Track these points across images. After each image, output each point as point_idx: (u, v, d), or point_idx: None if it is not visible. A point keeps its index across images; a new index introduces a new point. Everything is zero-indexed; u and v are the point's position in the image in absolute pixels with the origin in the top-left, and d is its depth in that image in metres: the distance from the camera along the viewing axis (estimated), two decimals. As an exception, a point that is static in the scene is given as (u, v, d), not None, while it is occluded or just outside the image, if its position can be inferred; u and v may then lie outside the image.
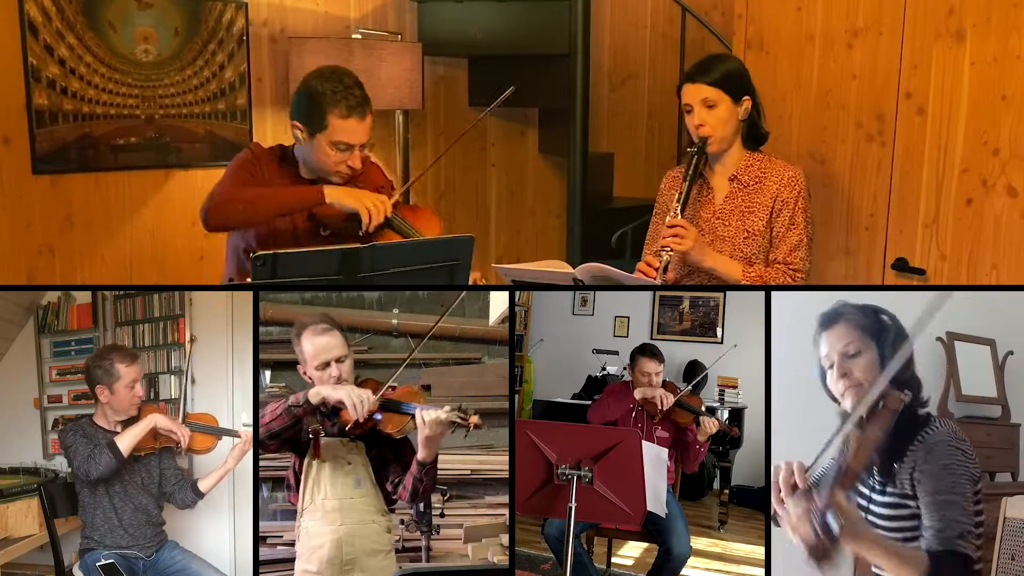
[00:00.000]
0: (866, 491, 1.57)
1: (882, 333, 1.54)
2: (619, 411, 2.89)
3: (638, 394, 2.85)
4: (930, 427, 1.50)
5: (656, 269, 2.37)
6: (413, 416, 1.92)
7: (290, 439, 1.96)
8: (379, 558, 1.99)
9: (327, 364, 1.97)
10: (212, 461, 2.23)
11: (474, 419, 1.90)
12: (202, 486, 2.21)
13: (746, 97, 2.46)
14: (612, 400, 2.95)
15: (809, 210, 2.49)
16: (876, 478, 1.55)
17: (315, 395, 1.91)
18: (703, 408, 2.87)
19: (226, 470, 2.19)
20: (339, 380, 1.97)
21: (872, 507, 1.55)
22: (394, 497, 2.05)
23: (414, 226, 2.49)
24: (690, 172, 2.46)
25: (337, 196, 2.36)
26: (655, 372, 2.86)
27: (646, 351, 2.90)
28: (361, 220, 2.34)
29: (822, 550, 1.41)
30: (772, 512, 1.52)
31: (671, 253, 2.38)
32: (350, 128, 2.36)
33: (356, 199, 2.36)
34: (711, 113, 2.43)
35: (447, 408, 1.90)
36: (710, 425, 2.80)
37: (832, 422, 1.57)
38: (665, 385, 2.87)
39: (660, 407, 2.80)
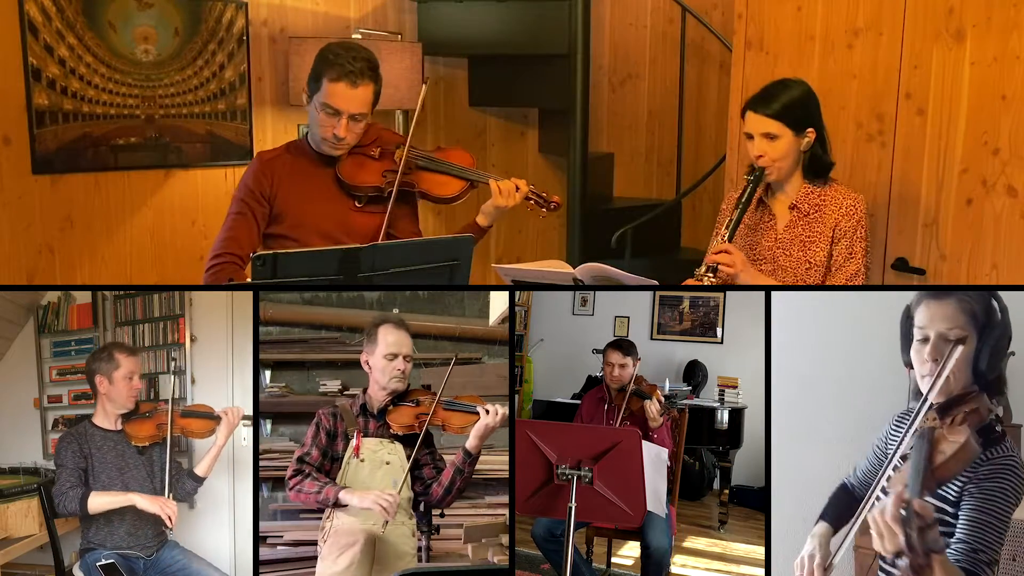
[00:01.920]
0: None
1: (988, 327, 1.45)
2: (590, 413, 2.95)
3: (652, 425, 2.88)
4: (1003, 444, 1.43)
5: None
6: (475, 413, 2.06)
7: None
8: (406, 560, 2.03)
9: (396, 356, 2.08)
10: (207, 446, 2.26)
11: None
12: (199, 470, 2.23)
13: (810, 129, 2.38)
14: (585, 410, 3.04)
15: (868, 239, 2.42)
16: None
17: (344, 500, 1.99)
18: (657, 395, 2.89)
19: (218, 448, 2.21)
20: (403, 375, 2.09)
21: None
22: (420, 499, 2.10)
23: (447, 160, 2.63)
24: (743, 199, 2.41)
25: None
26: (619, 363, 2.94)
27: (613, 343, 3.01)
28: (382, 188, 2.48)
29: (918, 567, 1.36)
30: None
31: (713, 278, 2.35)
32: (338, 92, 2.40)
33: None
34: (772, 145, 2.37)
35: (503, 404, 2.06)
36: (651, 408, 2.83)
37: (837, 420, 1.54)
38: (637, 380, 2.93)
39: (651, 416, 2.85)
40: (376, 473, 2.04)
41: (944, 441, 1.44)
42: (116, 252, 3.34)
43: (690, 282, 2.40)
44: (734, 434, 4.04)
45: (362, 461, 2.04)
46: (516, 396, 4.12)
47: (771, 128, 2.36)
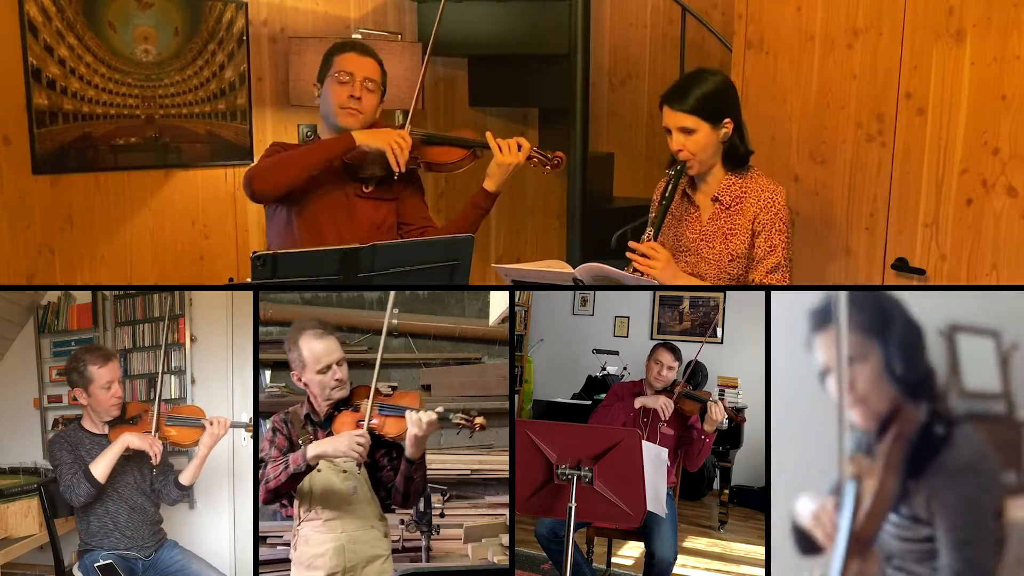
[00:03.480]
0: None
1: (887, 329, 1.34)
2: (623, 418, 2.92)
3: (637, 403, 2.89)
4: (951, 446, 1.29)
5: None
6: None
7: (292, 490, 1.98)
8: (379, 563, 1.99)
9: (328, 367, 1.98)
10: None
11: (479, 420, 1.94)
12: (183, 479, 2.18)
13: (727, 120, 2.39)
14: (616, 408, 2.99)
15: (788, 232, 2.43)
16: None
17: (314, 457, 1.91)
18: (711, 398, 2.88)
19: (200, 459, 2.15)
20: (341, 383, 1.98)
21: (886, 526, 1.37)
22: (388, 502, 2.05)
23: (447, 133, 2.74)
24: (666, 194, 2.43)
25: (364, 138, 2.52)
26: (668, 364, 2.92)
27: (666, 344, 3.00)
28: (390, 162, 2.52)
29: None
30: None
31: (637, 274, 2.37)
32: (349, 59, 2.58)
33: (381, 139, 2.52)
34: (690, 139, 2.38)
35: (439, 409, 1.92)
36: (717, 412, 2.81)
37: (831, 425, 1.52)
38: (674, 384, 2.91)
39: (663, 416, 2.83)
40: (334, 481, 1.98)
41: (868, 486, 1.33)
42: (116, 252, 3.34)
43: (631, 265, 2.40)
44: (734, 434, 4.04)
45: (319, 471, 1.97)
46: (516, 396, 4.12)
47: (687, 123, 2.37)
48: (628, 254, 2.39)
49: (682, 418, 2.89)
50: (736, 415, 2.98)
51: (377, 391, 1.98)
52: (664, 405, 2.83)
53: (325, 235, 2.54)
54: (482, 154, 2.69)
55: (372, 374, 2.00)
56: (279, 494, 1.94)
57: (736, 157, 2.46)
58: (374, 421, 1.95)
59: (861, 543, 1.31)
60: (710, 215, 2.49)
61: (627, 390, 3.02)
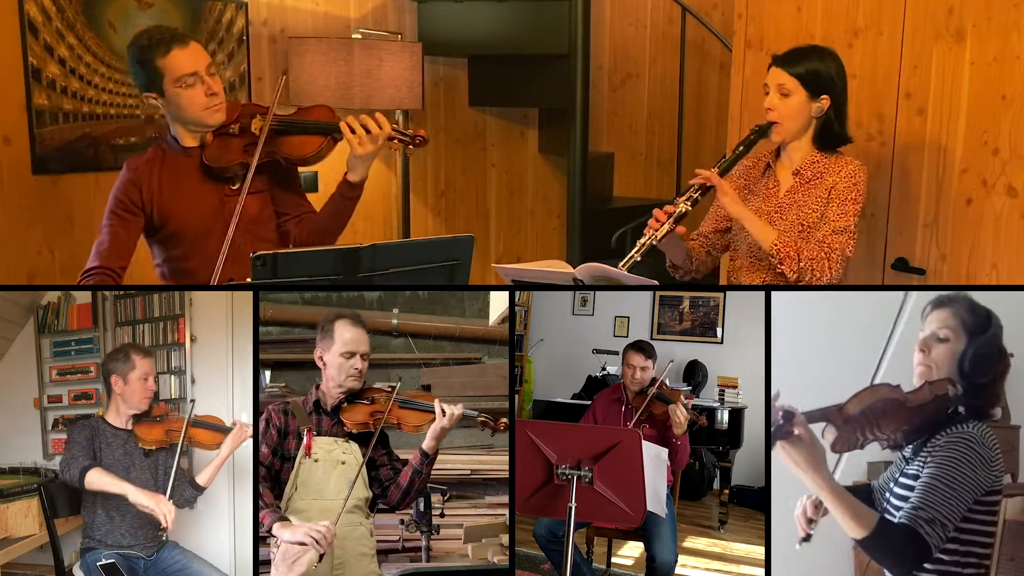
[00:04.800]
0: (895, 471, 1.60)
1: (980, 335, 1.55)
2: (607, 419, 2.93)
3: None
4: (963, 424, 1.52)
5: (669, 215, 2.39)
6: (431, 412, 1.99)
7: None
8: (366, 562, 1.99)
9: (353, 354, 2.02)
10: (210, 455, 2.23)
11: (504, 420, 2.02)
12: (200, 480, 2.20)
13: (825, 96, 2.39)
14: (599, 410, 3.00)
15: (862, 206, 2.40)
16: (904, 457, 1.58)
17: (275, 533, 1.91)
18: (682, 400, 2.85)
19: (222, 459, 2.17)
20: (360, 374, 2.03)
21: (892, 487, 1.58)
22: (379, 500, 2.06)
23: (303, 119, 2.48)
24: (740, 148, 2.44)
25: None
26: (640, 366, 2.90)
27: (635, 345, 2.96)
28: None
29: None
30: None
31: (689, 202, 2.39)
32: (179, 58, 2.34)
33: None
34: (783, 101, 2.39)
35: (460, 405, 1.99)
36: (680, 413, 2.78)
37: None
38: (654, 382, 2.89)
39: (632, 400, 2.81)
40: (331, 473, 1.99)
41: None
42: (116, 252, 3.33)
43: (668, 207, 2.42)
44: (734, 434, 4.04)
45: (316, 461, 1.98)
46: (516, 396, 4.12)
47: (786, 82, 2.38)
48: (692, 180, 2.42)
49: (663, 420, 2.86)
50: (698, 417, 2.95)
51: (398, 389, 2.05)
52: (679, 415, 2.81)
53: (210, 242, 2.40)
54: (340, 136, 2.43)
55: (378, 374, 2.03)
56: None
57: (830, 136, 2.45)
58: (393, 415, 2.00)
59: (838, 414, 1.54)
60: (788, 188, 2.49)
61: (607, 397, 3.04)
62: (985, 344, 1.54)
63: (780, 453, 1.50)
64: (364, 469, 2.01)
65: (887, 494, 1.59)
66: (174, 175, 2.45)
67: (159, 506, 2.08)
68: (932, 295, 1.63)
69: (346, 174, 2.45)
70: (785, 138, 2.45)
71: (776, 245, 2.35)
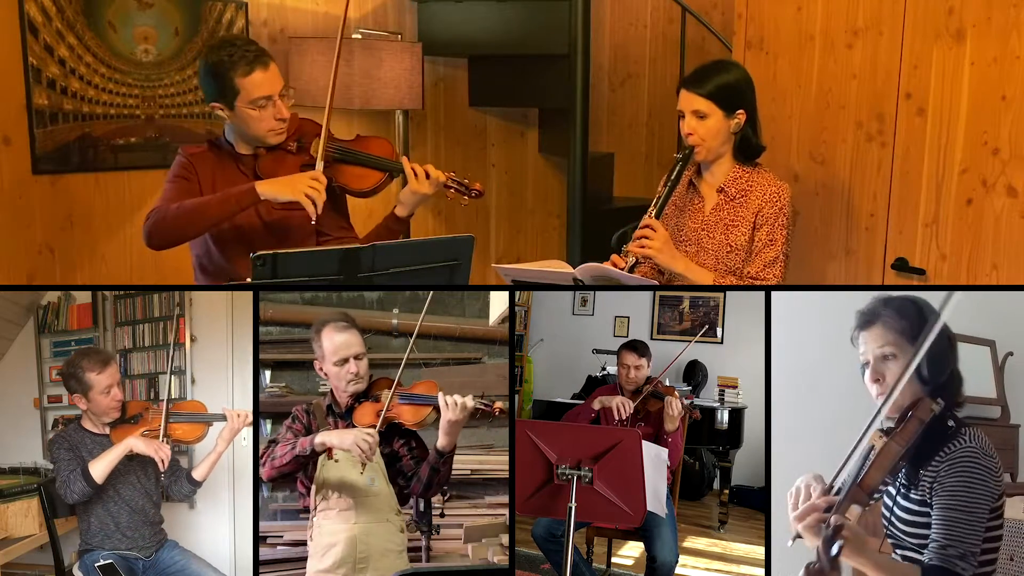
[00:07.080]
0: (892, 492, 1.56)
1: (922, 334, 1.47)
2: (584, 421, 2.92)
3: (596, 404, 2.87)
4: (959, 439, 1.47)
5: (621, 269, 2.37)
6: (434, 407, 1.97)
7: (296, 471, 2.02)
8: (392, 557, 2.00)
9: (345, 360, 2.02)
10: (206, 449, 2.22)
11: (499, 404, 1.97)
12: (196, 475, 2.19)
13: (740, 111, 2.44)
14: (581, 410, 2.99)
15: (789, 228, 2.47)
16: (902, 482, 1.53)
17: (320, 445, 1.96)
18: (676, 395, 2.84)
19: (217, 454, 2.16)
20: (357, 377, 2.03)
21: (896, 510, 1.53)
22: (405, 492, 2.07)
23: (364, 151, 2.53)
24: (671, 178, 2.46)
25: (271, 191, 2.29)
26: (634, 365, 2.90)
27: (628, 344, 2.97)
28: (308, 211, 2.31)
29: (818, 570, 1.42)
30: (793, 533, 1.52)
31: (633, 260, 2.39)
32: (258, 81, 2.36)
33: (291, 189, 2.29)
34: (701, 123, 2.42)
35: (470, 396, 1.96)
36: (674, 407, 2.77)
37: (844, 422, 1.57)
38: (650, 381, 2.90)
39: (618, 416, 2.80)
40: (352, 471, 2.00)
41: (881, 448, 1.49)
42: (116, 252, 3.34)
43: (614, 258, 2.41)
44: (734, 434, 4.04)
45: (336, 461, 2.00)
46: (516, 396, 4.12)
47: (701, 106, 2.41)
48: (625, 247, 2.40)
49: (658, 416, 2.86)
50: (692, 410, 2.95)
51: (399, 382, 2.04)
52: (621, 404, 2.82)
53: (241, 247, 2.42)
54: (398, 175, 2.55)
55: (384, 372, 2.05)
56: (282, 473, 1.98)
57: (748, 150, 2.49)
58: (392, 411, 1.99)
59: (862, 492, 1.46)
60: (714, 205, 2.52)
61: (603, 394, 3.04)
62: (935, 342, 1.47)
63: (848, 562, 1.43)
64: (383, 466, 2.02)
65: (891, 516, 1.54)
66: (224, 175, 2.46)
67: (158, 452, 2.09)
68: (873, 296, 1.57)
69: (395, 208, 2.55)
70: (708, 157, 2.49)
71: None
